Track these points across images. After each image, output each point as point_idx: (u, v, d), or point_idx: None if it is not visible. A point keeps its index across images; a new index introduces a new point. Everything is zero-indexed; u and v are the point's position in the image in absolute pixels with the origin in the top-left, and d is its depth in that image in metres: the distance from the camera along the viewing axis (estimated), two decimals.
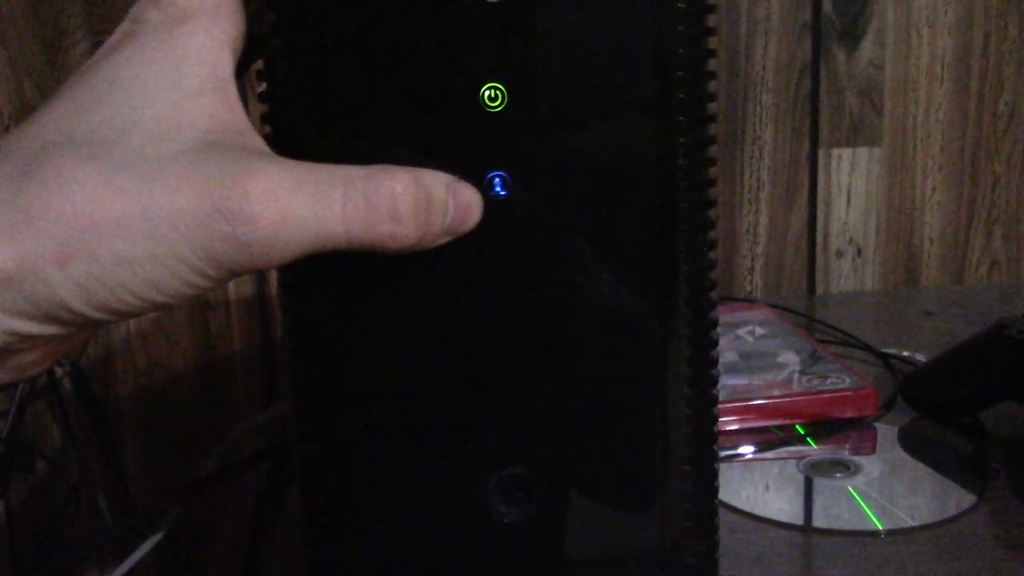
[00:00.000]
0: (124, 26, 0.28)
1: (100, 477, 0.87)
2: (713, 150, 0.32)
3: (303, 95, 0.29)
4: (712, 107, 0.32)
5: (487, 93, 0.29)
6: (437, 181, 0.28)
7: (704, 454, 0.34)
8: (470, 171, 0.29)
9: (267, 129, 0.30)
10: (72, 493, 0.86)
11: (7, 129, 0.82)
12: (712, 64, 0.32)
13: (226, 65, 0.28)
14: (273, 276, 0.88)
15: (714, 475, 0.35)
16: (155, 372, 0.87)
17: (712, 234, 0.33)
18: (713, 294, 0.33)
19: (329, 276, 0.31)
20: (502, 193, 0.30)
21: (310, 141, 0.29)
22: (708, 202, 0.32)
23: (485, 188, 0.30)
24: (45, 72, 0.81)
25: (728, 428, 0.58)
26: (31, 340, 0.26)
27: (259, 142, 0.28)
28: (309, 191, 0.26)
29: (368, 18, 0.28)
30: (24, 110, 0.81)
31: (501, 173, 0.30)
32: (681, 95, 0.31)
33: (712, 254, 0.33)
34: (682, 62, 0.30)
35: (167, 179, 0.25)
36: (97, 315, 0.26)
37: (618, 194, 0.31)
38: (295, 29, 0.29)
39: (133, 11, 0.28)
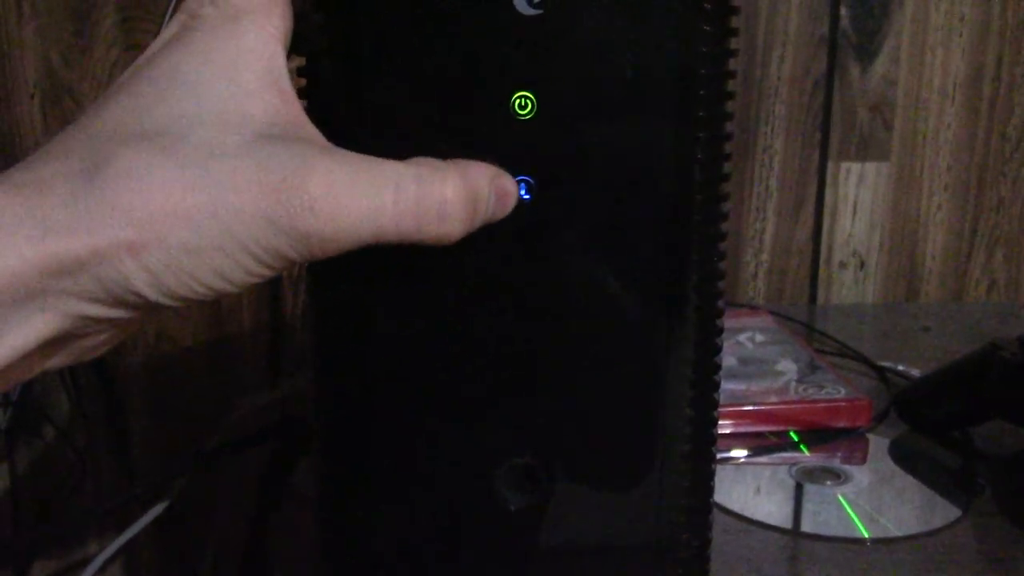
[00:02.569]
0: (180, 19, 0.29)
1: (106, 445, 0.89)
2: (727, 167, 0.33)
3: (343, 95, 0.30)
4: (729, 125, 0.33)
5: (518, 101, 0.31)
6: (483, 178, 0.30)
7: (702, 454, 0.35)
8: None
9: None
10: (78, 459, 0.87)
11: (32, 98, 0.83)
12: (731, 84, 0.33)
13: (279, 60, 0.29)
14: None
15: (711, 475, 0.36)
16: (164, 345, 0.89)
17: (722, 246, 0.34)
18: (720, 303, 0.35)
19: (355, 266, 0.32)
20: (526, 197, 0.31)
21: (346, 139, 0.31)
22: (720, 215, 0.34)
23: None
24: (72, 43, 0.82)
25: (724, 431, 0.59)
26: (98, 324, 0.28)
27: (315, 132, 0.29)
28: (364, 188, 0.28)
29: (409, 26, 0.30)
30: (50, 79, 0.83)
31: (527, 178, 0.31)
32: (701, 112, 0.32)
33: (721, 265, 0.34)
34: (704, 80, 0.32)
35: (233, 175, 0.27)
36: (163, 300, 0.27)
37: (635, 202, 0.32)
38: (340, 32, 0.30)
39: (188, 5, 0.29)
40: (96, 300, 0.27)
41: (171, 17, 0.31)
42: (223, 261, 0.27)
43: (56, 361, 0.29)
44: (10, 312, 0.26)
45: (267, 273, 0.28)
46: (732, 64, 0.33)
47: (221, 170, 0.27)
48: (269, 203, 0.26)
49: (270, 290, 0.90)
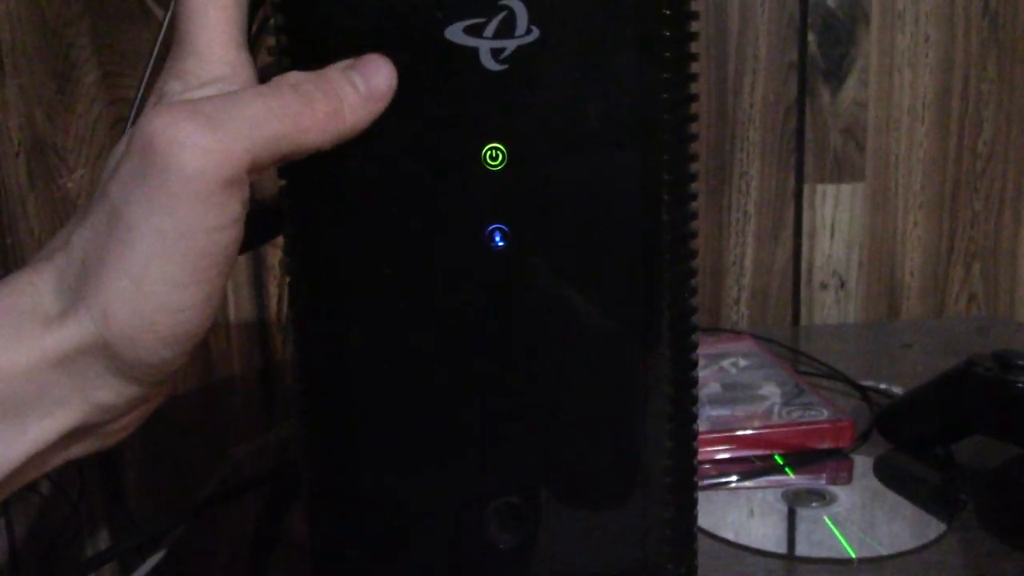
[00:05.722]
0: (151, 101, 0.31)
1: (101, 497, 0.89)
2: (694, 206, 0.35)
3: (318, 159, 0.32)
4: (693, 166, 0.35)
5: (488, 153, 0.32)
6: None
7: (684, 484, 0.36)
8: (471, 224, 0.32)
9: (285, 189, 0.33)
10: (72, 512, 0.88)
11: (17, 155, 0.84)
12: (695, 127, 0.34)
13: None
14: (272, 301, 0.90)
15: (693, 504, 0.37)
16: None
17: (694, 282, 0.35)
18: (694, 337, 0.36)
19: (337, 313, 0.33)
20: (501, 244, 0.32)
21: (326, 199, 0.32)
22: (689, 253, 0.35)
23: (485, 240, 0.32)
24: (55, 101, 0.84)
25: (709, 457, 0.60)
26: (114, 410, 0.29)
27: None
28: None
29: None
30: (35, 139, 0.84)
31: (501, 226, 0.32)
32: (666, 156, 0.33)
33: (692, 301, 0.35)
34: (667, 125, 0.33)
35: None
36: (148, 355, 0.28)
37: (606, 245, 0.34)
38: None
39: (157, 84, 0.31)
40: (104, 383, 0.28)
41: (151, 72, 0.32)
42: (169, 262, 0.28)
43: (80, 449, 0.30)
44: (30, 407, 0.27)
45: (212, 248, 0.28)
46: (693, 108, 0.34)
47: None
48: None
49: (259, 334, 0.91)
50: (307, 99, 0.29)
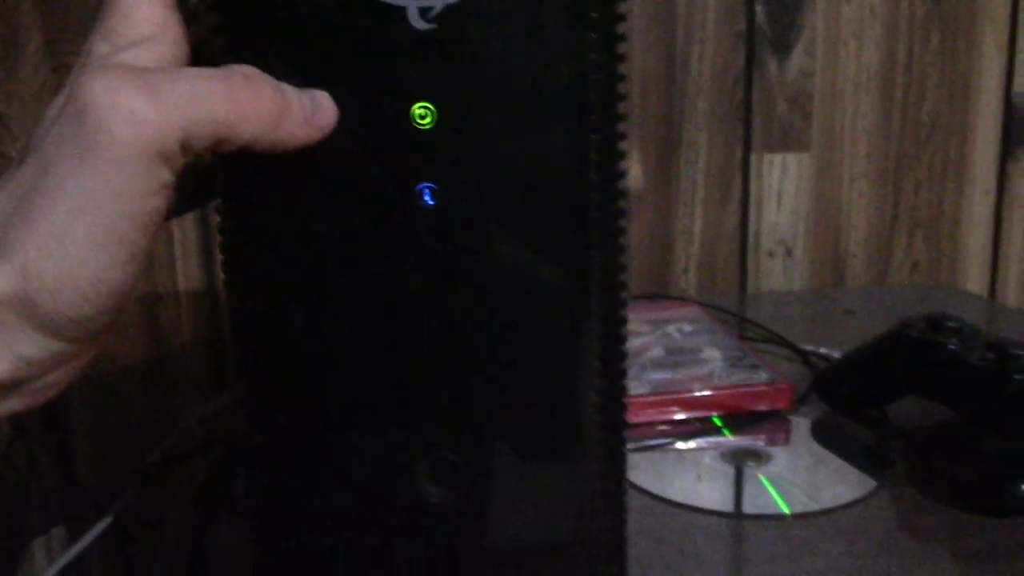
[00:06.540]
0: (80, 61, 0.31)
1: (49, 465, 0.89)
2: (623, 166, 0.35)
3: None
4: (622, 126, 0.35)
5: (418, 112, 0.32)
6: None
7: (613, 440, 0.37)
8: (401, 183, 0.33)
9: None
10: (20, 480, 0.87)
11: None
12: (623, 87, 0.35)
13: None
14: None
15: (623, 459, 0.38)
16: (104, 364, 0.89)
17: (622, 240, 0.36)
18: (623, 295, 0.37)
19: (267, 274, 0.34)
20: (431, 203, 0.33)
21: (255, 167, 0.32)
22: (619, 212, 0.36)
23: (415, 198, 0.33)
24: None
25: (650, 419, 0.61)
26: (42, 364, 0.29)
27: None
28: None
29: (308, 46, 0.31)
30: None
31: (430, 184, 0.33)
32: (594, 116, 0.34)
33: (621, 259, 0.36)
34: (595, 86, 0.34)
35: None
36: (69, 310, 0.28)
37: (536, 205, 0.34)
38: (242, 53, 0.31)
39: (86, 45, 0.31)
40: (27, 336, 0.28)
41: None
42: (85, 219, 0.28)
43: (8, 406, 0.30)
44: None
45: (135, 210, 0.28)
46: (622, 69, 0.35)
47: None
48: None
49: (209, 304, 0.91)
50: (255, 91, 0.30)
